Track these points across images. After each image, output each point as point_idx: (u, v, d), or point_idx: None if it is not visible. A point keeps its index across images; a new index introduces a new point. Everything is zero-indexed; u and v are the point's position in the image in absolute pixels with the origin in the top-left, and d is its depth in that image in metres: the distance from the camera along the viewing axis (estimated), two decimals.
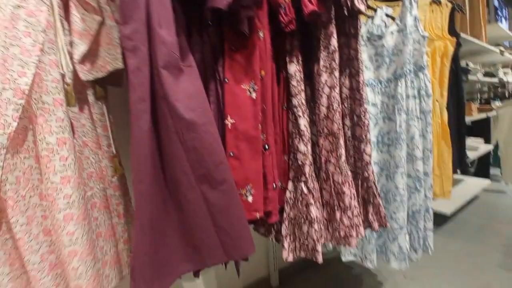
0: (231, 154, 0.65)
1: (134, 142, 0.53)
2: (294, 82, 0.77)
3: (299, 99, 0.77)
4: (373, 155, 1.09)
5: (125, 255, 0.73)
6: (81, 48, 0.60)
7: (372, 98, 1.16)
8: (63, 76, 0.58)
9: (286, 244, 0.80)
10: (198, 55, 0.65)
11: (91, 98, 0.67)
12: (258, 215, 0.67)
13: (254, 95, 0.67)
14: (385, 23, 1.14)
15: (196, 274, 0.68)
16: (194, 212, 0.58)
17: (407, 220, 1.18)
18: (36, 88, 0.53)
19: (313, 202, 0.79)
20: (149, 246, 0.56)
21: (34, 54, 0.53)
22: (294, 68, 0.77)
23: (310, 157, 0.79)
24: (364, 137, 0.91)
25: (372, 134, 1.13)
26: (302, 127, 0.77)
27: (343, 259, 1.25)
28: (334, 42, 0.79)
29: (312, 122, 0.86)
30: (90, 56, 0.63)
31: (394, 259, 1.17)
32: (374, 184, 0.94)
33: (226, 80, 0.65)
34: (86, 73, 0.62)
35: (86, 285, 0.57)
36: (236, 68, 0.66)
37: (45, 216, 0.56)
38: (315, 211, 0.78)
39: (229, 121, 0.65)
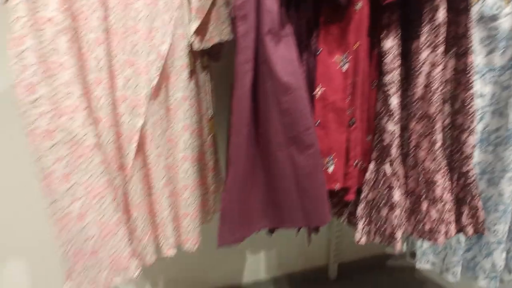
0: (318, 123, 0.67)
1: (236, 99, 0.61)
2: (388, 59, 0.74)
3: (393, 76, 0.74)
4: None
5: (211, 203, 0.84)
6: (196, 22, 0.71)
7: (479, 87, 1.01)
8: (188, 46, 0.70)
9: (360, 226, 0.78)
10: (294, 27, 0.69)
11: (198, 66, 0.79)
12: (337, 186, 0.67)
13: (345, 67, 0.67)
14: (500, 3, 0.97)
15: (272, 231, 0.73)
16: (280, 171, 0.63)
17: (508, 235, 1.00)
18: (170, 54, 0.66)
19: (396, 186, 0.74)
20: (238, 196, 0.63)
21: (170, 27, 0.65)
22: (390, 44, 0.74)
23: (398, 138, 0.75)
24: (467, 126, 0.80)
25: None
26: (393, 106, 0.73)
27: (418, 265, 1.14)
28: (440, 15, 0.73)
29: (402, 105, 0.81)
30: (202, 29, 0.73)
31: (483, 277, 1.01)
32: (474, 182, 0.82)
33: (319, 51, 0.67)
34: (198, 44, 0.73)
35: (192, 213, 0.70)
36: (329, 39, 0.67)
37: (168, 155, 0.70)
38: (397, 196, 0.74)
39: (318, 91, 0.67)
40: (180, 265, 1.24)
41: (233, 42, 0.75)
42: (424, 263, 1.12)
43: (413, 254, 1.21)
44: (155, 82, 0.66)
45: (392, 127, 0.74)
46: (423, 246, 1.12)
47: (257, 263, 1.32)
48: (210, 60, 0.82)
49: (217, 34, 0.75)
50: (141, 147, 0.67)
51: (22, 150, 0.87)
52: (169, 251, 0.76)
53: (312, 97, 0.68)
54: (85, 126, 0.60)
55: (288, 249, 1.33)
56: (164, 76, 0.68)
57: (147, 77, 0.65)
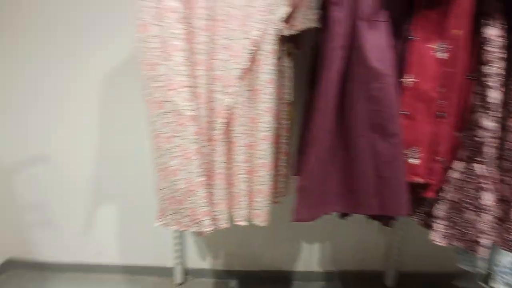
0: (404, 112, 0.65)
1: (324, 83, 0.63)
2: (490, 47, 0.67)
3: (494, 67, 0.67)
4: None
5: (281, 186, 0.88)
6: (286, 9, 0.75)
7: None
8: (277, 32, 0.74)
9: (440, 228, 0.73)
10: (388, 12, 0.68)
11: (283, 53, 0.83)
12: (418, 179, 0.65)
13: (441, 55, 0.64)
14: None
15: (344, 216, 0.73)
16: (359, 157, 0.64)
17: None
18: (260, 40, 0.71)
19: (487, 189, 0.68)
20: (318, 176, 0.66)
21: (262, 14, 0.70)
22: (494, 32, 0.68)
23: (494, 137, 0.68)
24: None
25: None
26: (491, 100, 0.67)
27: (492, 284, 1.01)
28: None
29: (502, 102, 0.73)
30: (290, 16, 0.77)
31: None
32: None
33: (413, 37, 0.65)
34: (286, 30, 0.77)
35: (264, 191, 0.75)
36: (426, 25, 0.64)
37: (250, 134, 0.76)
38: (487, 199, 0.68)
39: (409, 79, 0.65)
40: (239, 242, 1.32)
41: (311, 31, 0.78)
42: (500, 284, 0.99)
43: (484, 277, 1.09)
44: (245, 64, 0.72)
45: (488, 123, 0.68)
46: (501, 262, 0.99)
47: (310, 255, 1.33)
48: (294, 47, 0.85)
49: (305, 20, 0.77)
50: (228, 124, 0.74)
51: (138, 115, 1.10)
52: (239, 222, 0.82)
53: (399, 85, 0.66)
54: (187, 100, 0.69)
55: (344, 246, 1.31)
56: (253, 59, 0.73)
57: (239, 60, 0.71)
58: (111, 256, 1.39)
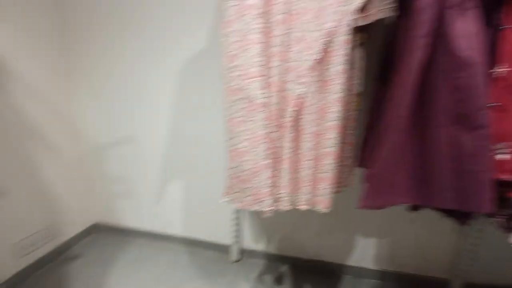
0: (495, 104, 0.60)
1: (404, 72, 0.62)
2: None
3: None
4: None
5: (344, 176, 0.89)
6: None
7: None
8: (351, 22, 0.75)
9: None
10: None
11: (355, 43, 0.83)
12: (507, 177, 0.60)
13: None
14: None
15: (415, 209, 0.71)
16: (437, 148, 0.62)
17: None
18: (334, 31, 0.73)
19: None
20: (390, 166, 0.66)
21: (336, 5, 0.72)
22: None
23: None
24: None
25: None
26: None
27: None
28: None
29: None
30: (365, 6, 0.76)
31: None
32: None
33: (505, 26, 0.60)
34: (360, 20, 0.77)
35: (328, 179, 0.78)
36: None
37: (318, 123, 0.79)
38: None
39: (502, 69, 0.60)
40: (294, 229, 1.37)
41: (382, 19, 0.76)
42: None
43: None
44: (318, 56, 0.74)
45: None
46: None
47: (366, 251, 1.30)
48: (366, 37, 0.85)
49: (380, 10, 0.76)
50: (298, 112, 0.78)
51: (209, 102, 1.23)
52: (302, 206, 0.86)
53: (488, 76, 0.62)
54: (260, 89, 0.75)
55: (404, 245, 1.25)
56: (326, 50, 0.75)
57: (312, 51, 0.74)
58: (176, 228, 1.57)
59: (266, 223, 1.42)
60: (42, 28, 1.29)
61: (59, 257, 1.46)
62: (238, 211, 1.42)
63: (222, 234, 1.49)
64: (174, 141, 1.43)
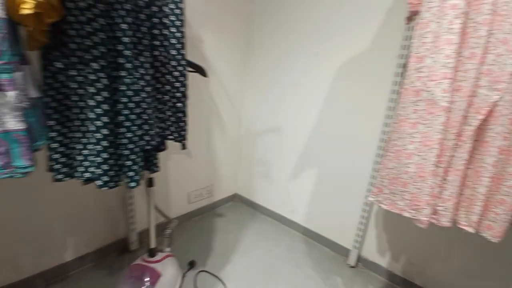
0: None
1: None
2: None
3: None
4: None
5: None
6: None
7: None
8: None
9: None
10: None
11: None
12: None
13: None
14: None
15: None
16: None
17: None
18: None
19: None
20: None
21: None
22: None
23: None
24: None
25: None
26: None
27: None
28: None
29: None
30: None
31: None
32: None
33: None
34: None
35: (508, 204, 0.68)
36: None
37: (507, 137, 0.70)
38: None
39: None
40: (432, 256, 1.23)
41: None
42: None
43: None
44: None
45: None
46: None
47: None
48: None
49: None
50: (484, 121, 0.71)
51: (353, 103, 1.29)
52: (465, 226, 0.78)
53: None
54: (445, 92, 0.72)
55: None
56: None
57: None
58: (299, 216, 1.70)
59: (396, 238, 1.33)
60: (234, 41, 1.69)
61: (211, 211, 1.88)
62: (367, 217, 1.39)
63: (343, 235, 1.50)
64: (316, 136, 1.55)
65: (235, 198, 2.07)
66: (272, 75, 1.68)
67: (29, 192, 1.03)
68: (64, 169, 0.78)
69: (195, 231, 1.63)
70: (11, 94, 0.58)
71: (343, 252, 1.51)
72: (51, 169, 0.76)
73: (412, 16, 1.03)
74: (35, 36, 0.65)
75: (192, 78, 1.07)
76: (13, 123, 0.61)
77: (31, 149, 0.64)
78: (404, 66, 1.07)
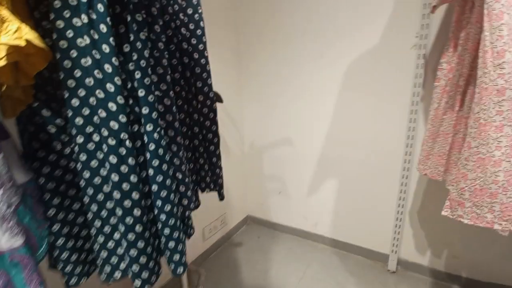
0: None
1: None
2: None
3: None
4: None
5: None
6: None
7: None
8: None
9: None
10: None
11: None
12: None
13: None
14: None
15: None
16: None
17: None
18: None
19: None
20: None
21: None
22: None
23: None
24: None
25: None
26: None
27: None
28: None
29: None
30: None
31: None
32: None
33: None
34: None
35: None
36: None
37: None
38: None
39: None
40: (471, 247, 1.18)
41: None
42: None
43: None
44: None
45: None
46: None
47: None
48: None
49: None
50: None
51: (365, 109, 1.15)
52: None
53: None
54: None
55: None
56: None
57: None
58: (324, 229, 1.59)
59: (434, 234, 1.27)
60: (226, 58, 1.51)
61: (227, 242, 1.68)
62: (401, 218, 1.32)
63: (377, 240, 1.42)
64: (332, 143, 1.43)
65: (248, 221, 1.89)
66: (272, 86, 1.53)
67: None
68: (78, 269, 0.55)
69: (219, 272, 1.43)
70: None
71: (380, 258, 1.43)
72: (63, 274, 0.54)
73: (439, 5, 0.95)
74: (15, 96, 0.42)
75: None
76: (6, 240, 0.39)
77: (36, 267, 0.42)
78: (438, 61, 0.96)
